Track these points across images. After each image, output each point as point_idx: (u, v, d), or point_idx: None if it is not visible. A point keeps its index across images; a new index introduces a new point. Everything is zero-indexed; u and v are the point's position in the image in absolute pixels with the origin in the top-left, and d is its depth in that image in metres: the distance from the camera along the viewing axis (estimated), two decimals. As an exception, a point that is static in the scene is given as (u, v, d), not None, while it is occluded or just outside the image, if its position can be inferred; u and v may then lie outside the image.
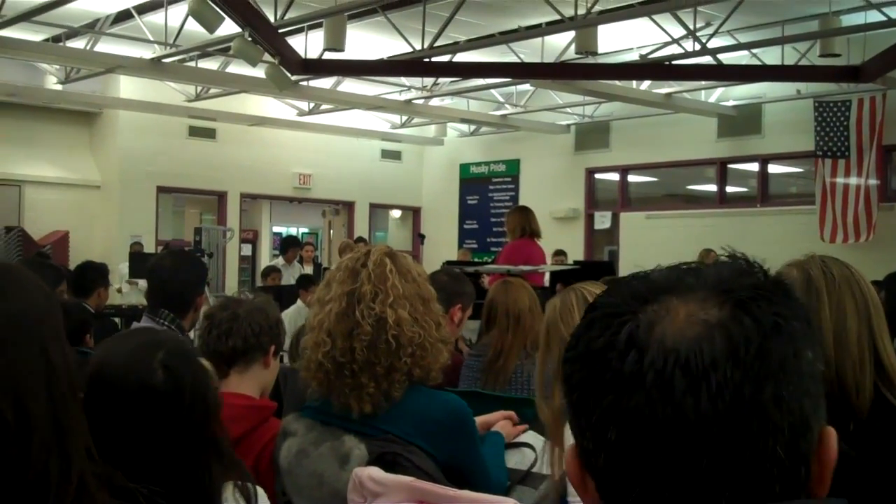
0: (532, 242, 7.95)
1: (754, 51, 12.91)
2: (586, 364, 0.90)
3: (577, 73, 13.50)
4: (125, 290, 13.29)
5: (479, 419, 2.93)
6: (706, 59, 12.28)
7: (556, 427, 2.63)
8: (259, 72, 12.42)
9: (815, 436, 0.89)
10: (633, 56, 13.57)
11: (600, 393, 0.88)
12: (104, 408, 1.79)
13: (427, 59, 12.48)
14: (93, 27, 13.06)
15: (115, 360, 1.87)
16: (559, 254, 13.54)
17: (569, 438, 2.46)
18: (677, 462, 0.84)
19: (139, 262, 11.28)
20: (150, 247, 15.68)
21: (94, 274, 6.59)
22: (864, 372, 1.87)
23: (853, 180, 13.98)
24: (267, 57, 11.46)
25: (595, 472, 0.91)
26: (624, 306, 0.91)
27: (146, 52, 13.30)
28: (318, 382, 2.50)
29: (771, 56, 13.29)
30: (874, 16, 11.10)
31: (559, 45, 12.88)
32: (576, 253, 16.19)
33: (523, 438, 3.14)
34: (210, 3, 9.43)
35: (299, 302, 9.26)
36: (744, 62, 13.52)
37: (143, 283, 7.39)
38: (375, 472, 2.23)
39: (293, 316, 8.75)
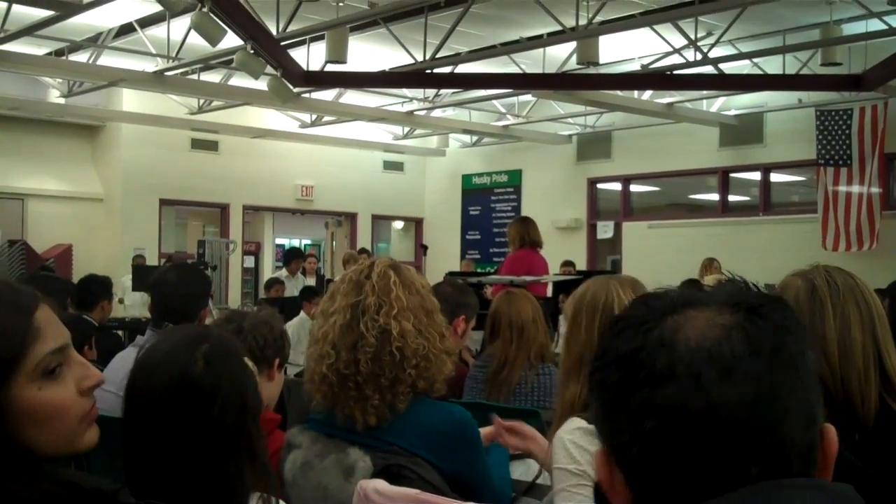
0: (534, 252, 7.97)
1: (755, 60, 12.92)
2: (621, 366, 0.99)
3: (579, 83, 13.51)
4: (128, 302, 13.29)
5: (483, 430, 2.93)
6: (707, 69, 12.30)
7: (559, 421, 2.64)
8: (261, 84, 12.44)
9: (819, 429, 1.00)
10: (635, 66, 13.57)
11: (635, 389, 0.97)
12: (142, 394, 1.83)
13: (429, 71, 12.50)
14: (95, 41, 13.09)
15: (160, 348, 1.90)
16: (567, 264, 13.52)
17: (556, 451, 2.46)
18: (708, 444, 0.94)
19: (142, 274, 11.28)
20: (152, 259, 15.69)
21: (98, 287, 6.59)
22: (868, 382, 1.86)
23: (855, 188, 13.97)
24: (269, 69, 11.49)
25: (627, 463, 0.99)
26: (648, 316, 1.01)
27: (149, 66, 13.34)
28: (322, 395, 2.50)
29: (772, 65, 13.30)
30: (875, 24, 11.12)
31: (561, 55, 12.90)
32: (578, 263, 16.16)
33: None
34: (212, 16, 9.45)
35: (302, 314, 9.27)
36: (745, 71, 13.53)
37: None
38: (381, 484, 2.23)
39: (296, 328, 8.76)
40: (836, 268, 2.02)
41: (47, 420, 1.43)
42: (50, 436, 1.44)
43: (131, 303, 13.09)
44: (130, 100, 16.23)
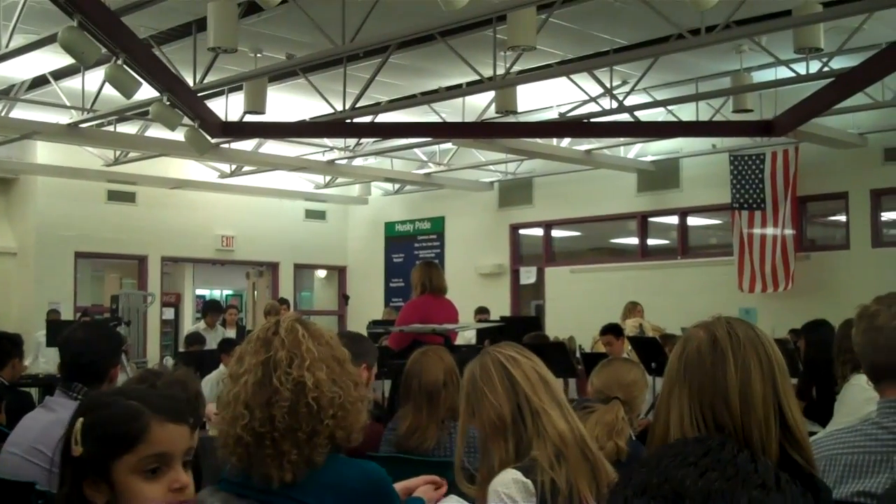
0: (433, 299, 7.32)
1: (670, 107, 13.19)
2: None
3: (499, 131, 13.65)
4: (42, 359, 12.97)
5: (400, 485, 2.90)
6: (624, 117, 12.51)
7: (488, 478, 2.67)
8: (179, 135, 12.34)
9: None
10: (553, 114, 13.77)
11: None
12: None
13: (349, 120, 12.52)
14: (8, 93, 12.89)
15: None
16: (482, 311, 13.52)
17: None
18: None
19: (56, 330, 11.01)
20: (68, 314, 15.36)
21: (8, 345, 6.41)
22: (769, 432, 1.89)
23: (770, 231, 14.28)
24: (186, 120, 11.39)
25: None
26: None
27: (63, 118, 13.14)
28: (237, 457, 2.44)
29: (686, 112, 13.59)
30: (783, 72, 11.44)
31: (480, 104, 13.04)
32: (502, 308, 16.25)
33: (445, 503, 3.12)
34: (127, 69, 9.34)
35: (222, 367, 9.11)
36: (660, 118, 13.80)
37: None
38: (292, 546, 2.19)
39: (215, 381, 8.60)
40: (738, 319, 2.04)
41: None
42: None
43: (46, 359, 12.76)
44: (45, 152, 15.96)
